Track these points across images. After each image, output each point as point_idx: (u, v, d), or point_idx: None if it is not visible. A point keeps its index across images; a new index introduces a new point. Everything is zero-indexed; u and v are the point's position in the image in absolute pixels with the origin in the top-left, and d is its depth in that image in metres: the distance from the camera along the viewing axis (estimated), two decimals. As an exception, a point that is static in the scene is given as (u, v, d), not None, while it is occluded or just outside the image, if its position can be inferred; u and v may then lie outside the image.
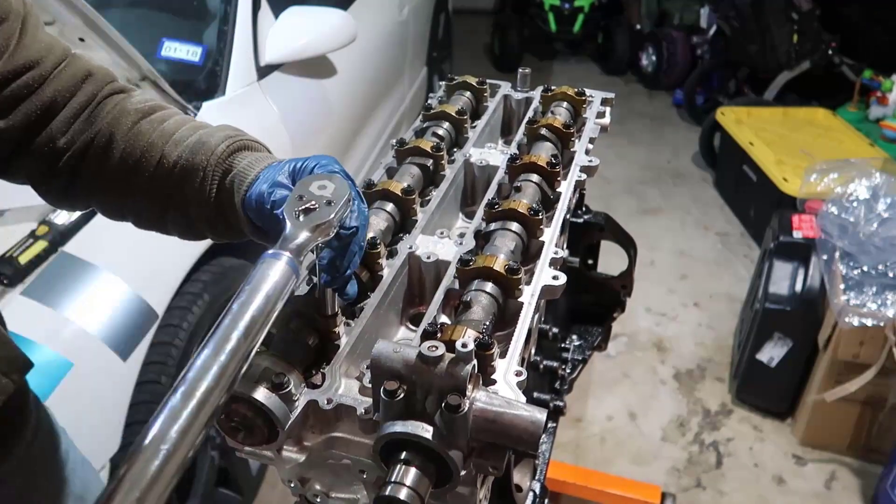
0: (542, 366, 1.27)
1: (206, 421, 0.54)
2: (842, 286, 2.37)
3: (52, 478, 1.10)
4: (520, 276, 0.79)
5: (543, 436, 0.62)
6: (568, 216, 1.05)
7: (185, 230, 0.87)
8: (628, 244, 1.48)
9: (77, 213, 1.68)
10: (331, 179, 0.70)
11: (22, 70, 0.80)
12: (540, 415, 0.62)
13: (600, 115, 1.22)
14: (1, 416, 0.95)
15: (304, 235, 0.66)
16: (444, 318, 0.81)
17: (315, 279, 0.73)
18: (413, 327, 0.90)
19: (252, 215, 0.78)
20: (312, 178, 0.71)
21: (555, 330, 1.19)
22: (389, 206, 0.92)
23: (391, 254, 0.87)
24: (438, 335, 0.71)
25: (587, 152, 1.10)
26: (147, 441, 0.51)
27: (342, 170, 0.76)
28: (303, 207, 0.68)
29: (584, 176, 1.04)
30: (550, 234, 0.90)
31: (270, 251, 0.65)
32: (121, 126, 0.84)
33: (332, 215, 0.67)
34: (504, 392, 0.67)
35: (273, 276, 0.63)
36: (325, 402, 0.69)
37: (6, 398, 0.90)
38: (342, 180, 0.71)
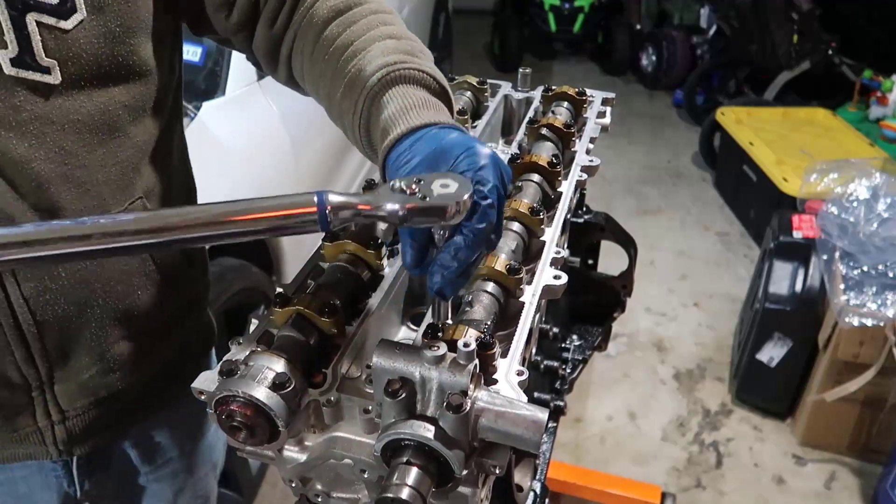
0: (542, 365, 1.27)
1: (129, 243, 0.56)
2: (842, 286, 2.37)
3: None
4: (521, 275, 0.79)
5: (544, 435, 0.62)
6: (569, 216, 1.05)
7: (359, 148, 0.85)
8: (628, 244, 1.48)
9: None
10: (461, 185, 0.61)
11: None
12: (542, 414, 0.62)
13: (601, 114, 1.22)
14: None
15: (358, 199, 0.61)
16: (445, 318, 0.81)
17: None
18: (414, 327, 0.90)
19: (389, 174, 0.73)
20: (452, 175, 0.63)
21: (555, 330, 1.19)
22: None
23: (392, 253, 0.87)
24: (440, 335, 0.71)
25: (588, 152, 1.10)
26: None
27: (496, 183, 0.64)
28: (401, 186, 0.61)
29: (584, 176, 1.04)
30: (551, 234, 0.90)
31: (324, 190, 0.61)
32: (311, 31, 0.84)
33: (395, 206, 0.60)
34: (506, 392, 0.67)
35: (293, 199, 0.59)
36: (327, 401, 0.69)
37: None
38: (465, 193, 0.61)
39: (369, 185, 0.93)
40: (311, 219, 0.59)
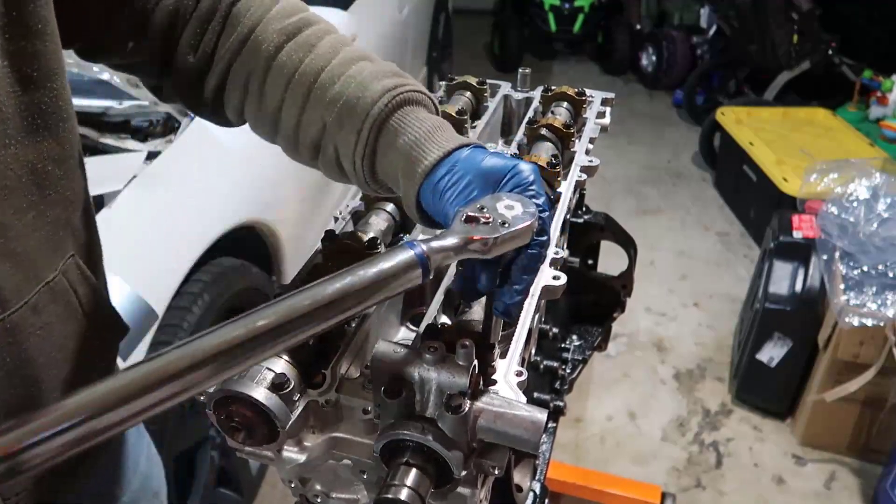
0: (542, 366, 1.27)
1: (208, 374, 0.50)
2: (842, 286, 2.37)
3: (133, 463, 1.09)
4: (520, 276, 0.79)
5: (544, 436, 0.62)
6: (568, 216, 1.05)
7: (336, 177, 0.80)
8: (628, 244, 1.48)
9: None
10: (522, 204, 0.63)
11: None
12: (541, 415, 0.62)
13: (600, 115, 1.22)
14: None
15: (452, 241, 0.60)
16: (444, 319, 0.81)
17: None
18: (413, 328, 0.90)
19: (425, 199, 0.70)
20: (506, 195, 0.64)
21: (555, 330, 1.20)
22: (390, 206, 0.92)
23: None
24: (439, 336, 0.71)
25: (587, 152, 1.10)
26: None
27: (539, 189, 0.67)
28: (474, 215, 0.62)
29: (584, 176, 1.04)
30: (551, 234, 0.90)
31: (411, 240, 0.60)
32: (259, 59, 0.76)
33: (493, 237, 0.60)
34: (505, 392, 0.67)
35: (392, 260, 0.58)
36: (326, 402, 0.69)
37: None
38: (532, 210, 0.63)
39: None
40: (415, 274, 0.59)
